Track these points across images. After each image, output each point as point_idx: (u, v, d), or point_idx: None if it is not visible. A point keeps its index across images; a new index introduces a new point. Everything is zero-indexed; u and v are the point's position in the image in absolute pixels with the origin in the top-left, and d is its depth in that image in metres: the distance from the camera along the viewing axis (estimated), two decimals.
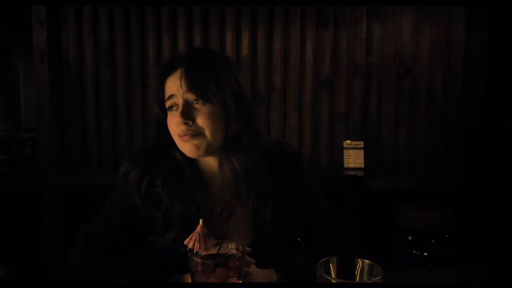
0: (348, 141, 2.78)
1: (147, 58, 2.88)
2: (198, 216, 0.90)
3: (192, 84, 0.90)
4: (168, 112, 0.95)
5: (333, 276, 0.69)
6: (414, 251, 2.57)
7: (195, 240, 0.73)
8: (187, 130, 0.91)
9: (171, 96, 0.93)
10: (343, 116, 2.91)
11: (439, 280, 1.01)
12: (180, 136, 0.92)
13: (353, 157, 2.74)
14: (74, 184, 2.89)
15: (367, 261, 0.69)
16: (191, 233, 0.75)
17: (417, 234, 2.55)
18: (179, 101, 0.92)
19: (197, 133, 0.92)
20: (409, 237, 2.58)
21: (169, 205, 0.95)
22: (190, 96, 0.91)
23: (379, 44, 2.88)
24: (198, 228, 0.74)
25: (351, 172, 2.65)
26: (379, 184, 2.87)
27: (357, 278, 0.69)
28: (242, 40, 2.86)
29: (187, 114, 0.90)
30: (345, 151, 2.76)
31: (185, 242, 0.74)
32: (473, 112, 2.93)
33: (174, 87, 0.92)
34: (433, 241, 2.55)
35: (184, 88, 0.91)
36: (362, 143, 2.76)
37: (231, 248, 0.78)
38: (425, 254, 2.56)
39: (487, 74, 2.94)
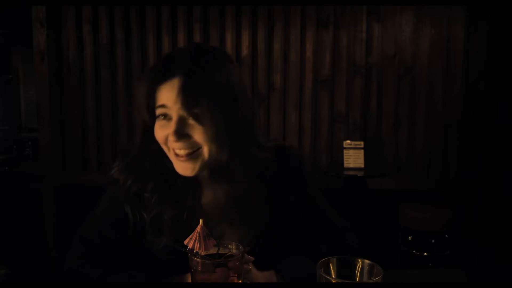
0: (348, 141, 2.78)
1: (147, 58, 2.88)
2: (189, 223, 0.88)
3: (190, 102, 0.81)
4: (157, 120, 0.86)
5: (333, 276, 0.68)
6: (414, 251, 2.57)
7: (195, 240, 0.73)
8: (183, 146, 0.84)
9: (163, 106, 0.84)
10: (343, 116, 2.91)
11: (439, 280, 1.01)
12: (176, 155, 0.86)
13: (353, 157, 2.74)
14: (74, 184, 2.89)
15: (367, 261, 0.69)
16: (182, 239, 0.74)
17: (417, 234, 2.55)
18: (173, 114, 0.83)
19: (193, 151, 0.85)
20: (409, 237, 2.58)
21: (158, 211, 0.92)
22: (186, 113, 0.83)
23: (379, 44, 2.88)
24: (198, 228, 0.74)
25: (351, 172, 2.65)
26: (379, 184, 2.87)
27: (357, 278, 0.69)
28: (242, 40, 2.86)
29: (182, 130, 0.83)
30: (345, 151, 2.75)
31: (185, 242, 0.74)
32: (473, 112, 2.93)
33: (168, 98, 0.82)
34: (433, 241, 2.55)
35: (180, 105, 0.81)
36: (362, 143, 2.76)
37: (231, 248, 0.78)
38: (425, 254, 2.56)
39: (487, 74, 2.95)
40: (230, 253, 0.77)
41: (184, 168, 0.87)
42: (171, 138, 0.83)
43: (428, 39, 2.87)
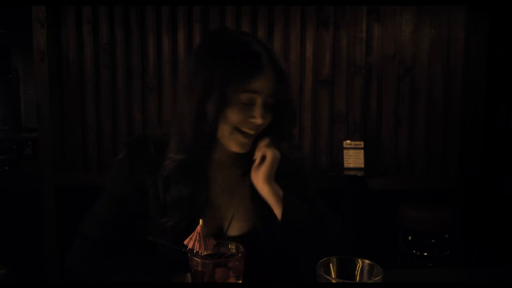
0: (348, 141, 2.77)
1: (147, 58, 2.88)
2: (203, 205, 0.95)
3: (276, 91, 0.94)
4: (235, 103, 0.92)
5: (333, 276, 0.69)
6: (414, 251, 2.57)
7: (195, 240, 0.73)
8: (257, 127, 0.94)
9: (253, 92, 0.91)
10: (343, 116, 2.91)
11: (439, 280, 1.01)
12: (242, 134, 0.94)
13: (353, 157, 2.74)
14: (74, 184, 2.89)
15: (367, 261, 0.69)
16: (189, 221, 0.75)
17: (417, 234, 2.55)
18: (259, 100, 0.92)
19: (256, 132, 0.96)
20: (409, 237, 2.58)
21: (175, 191, 0.94)
22: (269, 99, 0.94)
23: (379, 44, 2.88)
24: (198, 228, 0.74)
25: (351, 172, 2.65)
26: (379, 184, 2.87)
27: (357, 278, 0.69)
28: None
29: (264, 114, 0.94)
30: (345, 151, 2.75)
31: (185, 242, 0.74)
32: (473, 112, 2.92)
33: (259, 86, 0.91)
34: (433, 241, 2.55)
35: (270, 93, 0.93)
36: (362, 143, 2.76)
37: (231, 248, 0.79)
38: (425, 254, 2.56)
39: (487, 74, 2.94)
40: (230, 253, 0.78)
41: (244, 145, 0.95)
42: (256, 120, 0.92)
43: (428, 39, 2.87)
